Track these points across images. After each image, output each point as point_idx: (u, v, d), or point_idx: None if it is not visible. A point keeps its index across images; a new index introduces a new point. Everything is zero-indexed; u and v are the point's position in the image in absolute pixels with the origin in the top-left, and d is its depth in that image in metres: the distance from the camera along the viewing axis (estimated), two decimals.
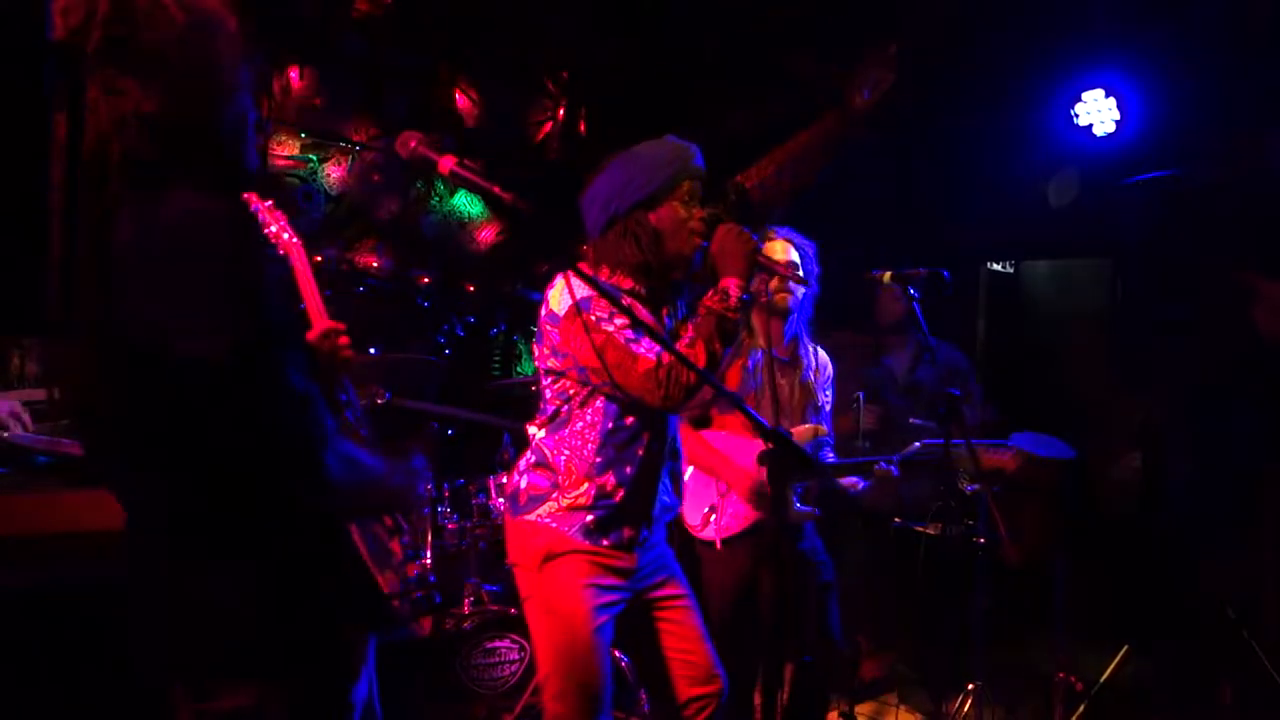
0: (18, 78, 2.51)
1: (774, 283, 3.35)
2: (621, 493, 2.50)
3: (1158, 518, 4.92)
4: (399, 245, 5.17)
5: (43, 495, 2.76)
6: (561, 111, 5.62)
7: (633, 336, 2.38)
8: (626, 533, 2.52)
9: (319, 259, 4.83)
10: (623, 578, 2.53)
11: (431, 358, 4.77)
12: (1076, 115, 4.92)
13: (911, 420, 4.22)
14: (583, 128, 5.67)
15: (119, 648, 1.65)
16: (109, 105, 1.51)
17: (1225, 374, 4.13)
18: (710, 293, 2.46)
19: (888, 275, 3.17)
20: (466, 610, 3.75)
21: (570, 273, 2.43)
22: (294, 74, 4.84)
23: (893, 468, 3.75)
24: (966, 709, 4.05)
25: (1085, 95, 4.90)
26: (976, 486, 3.99)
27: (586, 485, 2.48)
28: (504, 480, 3.95)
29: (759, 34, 5.27)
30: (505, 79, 5.44)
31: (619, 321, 2.39)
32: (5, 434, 2.76)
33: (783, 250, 3.40)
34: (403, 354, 4.83)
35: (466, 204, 5.34)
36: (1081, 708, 4.11)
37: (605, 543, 2.49)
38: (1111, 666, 4.21)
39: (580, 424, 2.51)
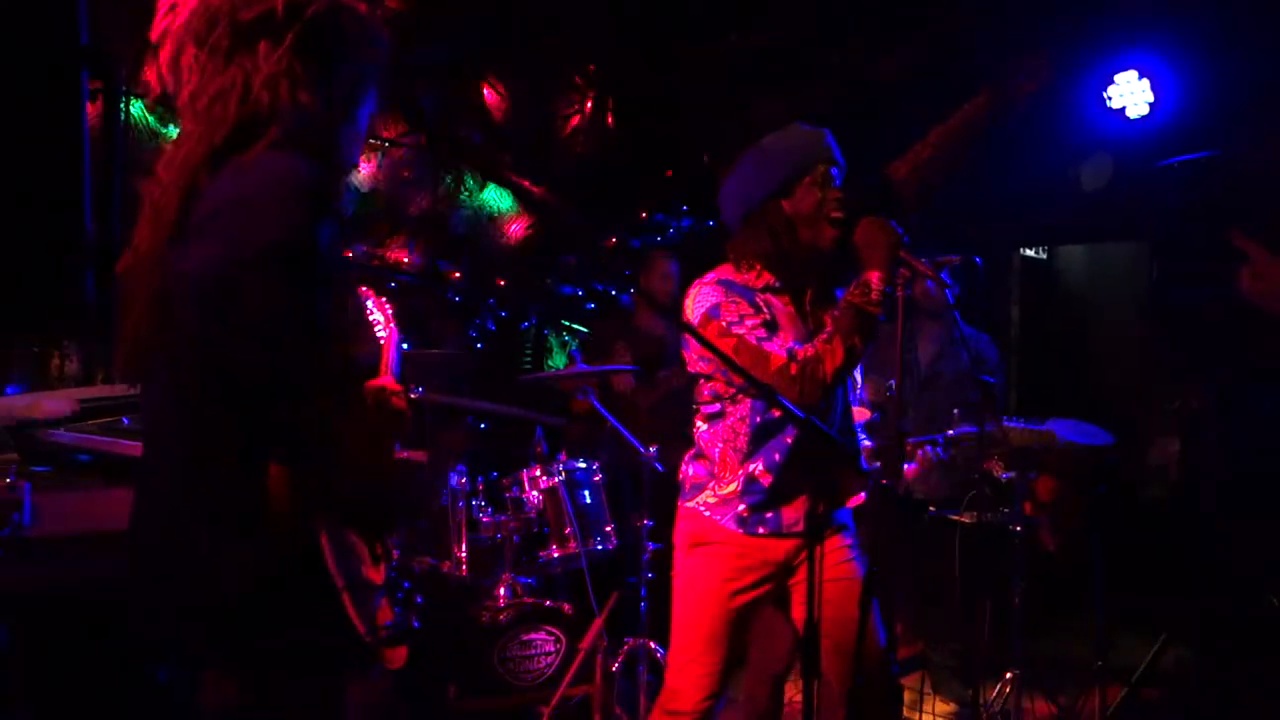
0: (45, 82, 2.55)
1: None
2: (769, 479, 2.53)
3: (1196, 504, 4.87)
4: (429, 241, 5.19)
5: (84, 493, 2.80)
6: (589, 104, 5.62)
7: (765, 335, 2.44)
8: (787, 517, 2.55)
9: (349, 255, 4.86)
10: (772, 566, 2.57)
11: (464, 352, 4.80)
12: (1109, 98, 4.87)
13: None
14: (610, 120, 5.67)
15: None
16: (286, 86, 1.61)
17: (1265, 358, 4.08)
18: (852, 286, 2.45)
19: (920, 262, 3.14)
20: (502, 603, 3.77)
21: (702, 281, 2.56)
22: None
23: (939, 450, 3.75)
24: (1005, 696, 4.03)
25: (1118, 77, 4.85)
26: (1012, 474, 3.97)
27: (739, 473, 2.56)
28: (536, 473, 3.97)
29: (785, 25, 5.25)
30: (533, 73, 5.45)
31: (750, 323, 2.46)
32: (48, 431, 2.79)
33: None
34: (435, 349, 4.86)
35: (496, 198, 5.35)
36: (1121, 695, 4.08)
37: (761, 530, 2.55)
38: (1151, 655, 4.17)
39: (732, 418, 2.58)
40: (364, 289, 2.40)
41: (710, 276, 2.59)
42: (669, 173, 5.86)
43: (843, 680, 2.59)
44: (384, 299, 2.41)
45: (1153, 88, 4.83)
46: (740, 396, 2.55)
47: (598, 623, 3.57)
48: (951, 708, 4.36)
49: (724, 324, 2.47)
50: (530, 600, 3.81)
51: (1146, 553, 5.97)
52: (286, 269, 1.50)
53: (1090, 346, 7.60)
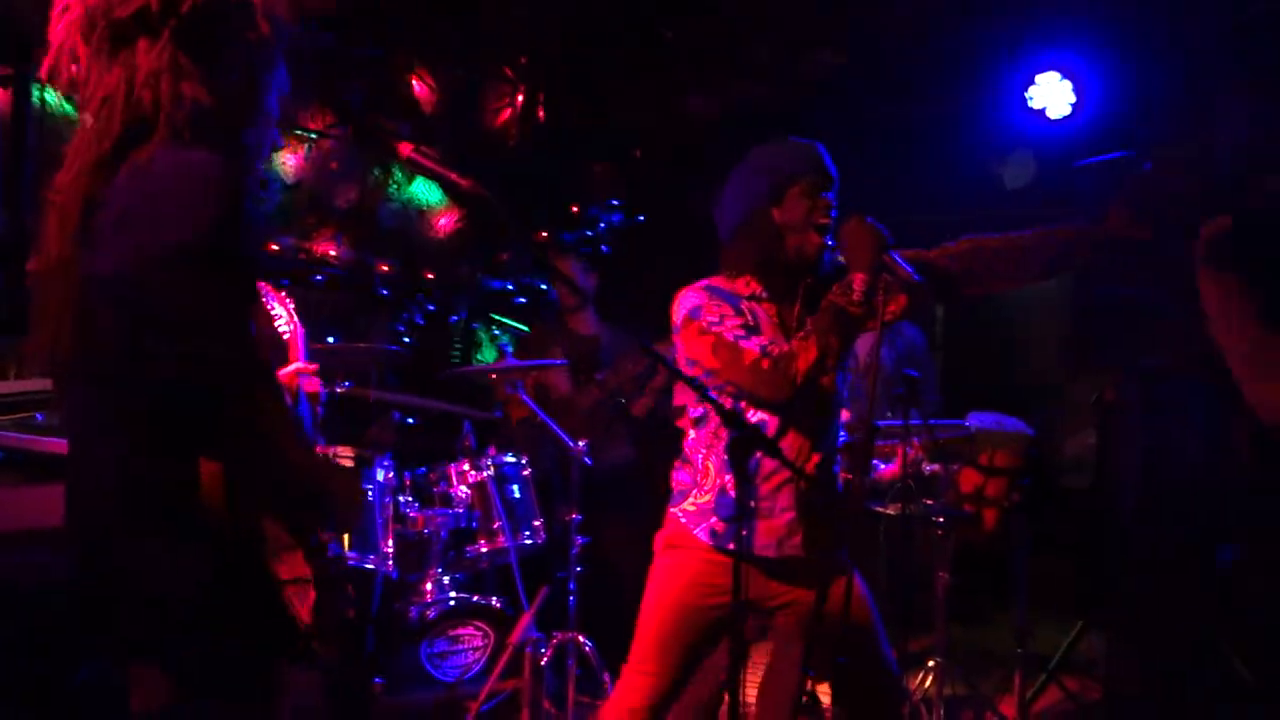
0: None
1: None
2: (746, 493, 2.44)
3: (1112, 495, 4.99)
4: (357, 233, 5.13)
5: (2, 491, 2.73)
6: (520, 98, 5.59)
7: (743, 335, 2.45)
8: (760, 539, 2.50)
9: (275, 248, 4.79)
10: (740, 590, 2.42)
11: (391, 346, 4.74)
12: (1031, 98, 4.96)
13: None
14: (541, 114, 5.65)
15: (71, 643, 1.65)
16: (168, 82, 1.58)
17: (1180, 352, 4.19)
18: (835, 286, 2.45)
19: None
20: (429, 599, 3.75)
21: (689, 286, 2.57)
22: None
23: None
24: (927, 685, 4.10)
25: (1039, 78, 4.94)
26: (936, 466, 4.04)
27: (716, 484, 2.55)
28: (464, 468, 3.95)
29: (718, 19, 5.28)
30: (463, 65, 5.41)
31: (730, 323, 2.47)
32: None
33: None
34: (362, 343, 4.81)
35: (425, 191, 5.31)
36: (1039, 682, 4.18)
37: (731, 547, 2.44)
38: (1067, 642, 4.28)
39: (714, 423, 2.57)
40: (263, 285, 2.36)
41: (698, 283, 2.62)
42: (600, 167, 5.86)
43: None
44: (283, 294, 2.39)
45: (1074, 89, 4.93)
46: (722, 400, 2.53)
47: (526, 617, 3.56)
48: None
49: (704, 323, 2.48)
50: (458, 595, 3.79)
51: (1067, 542, 6.13)
52: (202, 264, 1.48)
53: (1012, 340, 7.75)
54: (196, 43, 1.62)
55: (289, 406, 1.75)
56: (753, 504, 2.50)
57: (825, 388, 2.53)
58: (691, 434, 2.66)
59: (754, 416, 2.53)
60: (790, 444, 2.53)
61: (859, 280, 2.37)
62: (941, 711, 4.02)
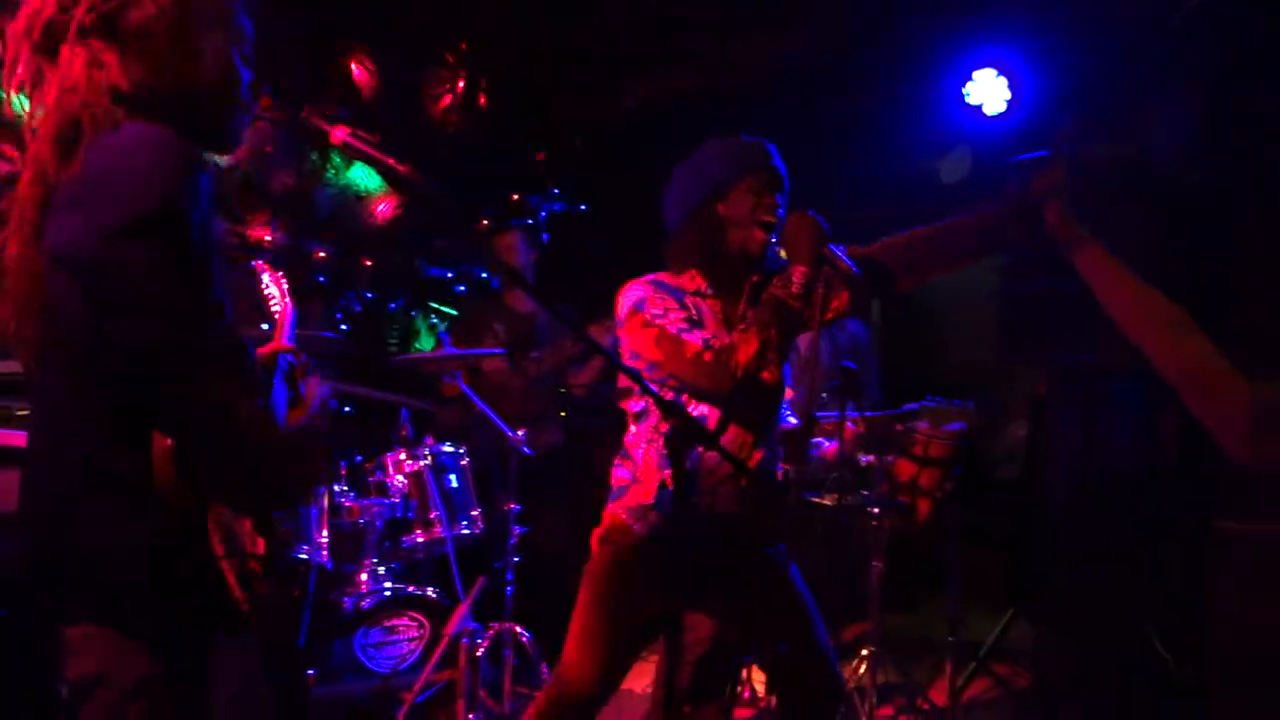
0: None
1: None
2: (685, 487, 2.48)
3: (1043, 486, 5.09)
4: (293, 219, 5.05)
5: None
6: (461, 84, 5.54)
7: (686, 328, 2.46)
8: (699, 531, 2.52)
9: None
10: (681, 582, 2.53)
11: (327, 333, 4.68)
12: (968, 94, 5.02)
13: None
14: (483, 100, 5.60)
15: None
16: (90, 77, 1.61)
17: (1108, 346, 4.28)
18: (776, 279, 2.45)
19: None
20: (364, 589, 3.71)
21: (635, 280, 2.58)
22: None
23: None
24: (861, 673, 4.15)
25: (976, 75, 5.00)
26: (871, 457, 4.09)
27: (656, 479, 2.54)
28: (401, 457, 3.92)
29: (659, 10, 5.27)
30: (403, 50, 5.34)
31: (673, 316, 2.49)
32: None
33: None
34: (298, 330, 4.73)
35: (363, 177, 5.24)
36: (970, 669, 4.25)
37: (670, 539, 2.49)
38: (998, 630, 4.35)
39: (655, 417, 2.58)
40: (259, 264, 2.43)
41: (644, 277, 2.62)
42: (541, 155, 5.83)
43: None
44: (280, 273, 2.41)
45: (1010, 86, 4.99)
46: (663, 393, 2.55)
47: (462, 607, 3.55)
48: None
49: (648, 316, 2.49)
50: (393, 586, 3.75)
51: (998, 533, 6.24)
52: (159, 237, 1.48)
53: (948, 333, 7.86)
54: (124, 37, 1.64)
55: (258, 385, 1.76)
56: (693, 499, 2.50)
57: (768, 382, 2.54)
58: (632, 428, 2.66)
59: (696, 410, 2.54)
60: (732, 438, 2.54)
61: (799, 273, 2.37)
62: (874, 699, 4.07)
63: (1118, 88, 4.74)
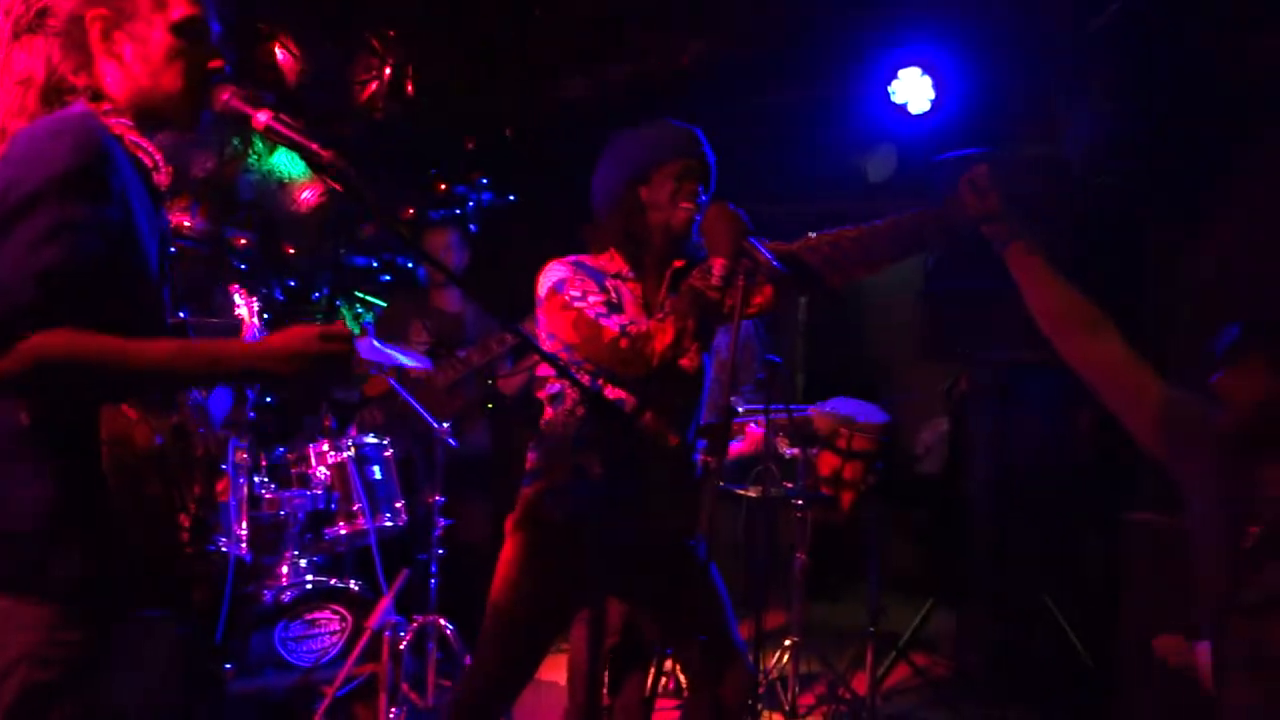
0: None
1: None
2: (602, 472, 2.49)
3: (963, 481, 5.19)
4: (213, 204, 4.94)
5: None
6: (388, 70, 5.46)
7: (604, 312, 2.45)
8: (614, 515, 2.49)
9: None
10: (594, 572, 2.49)
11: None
12: (894, 92, 5.08)
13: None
14: (410, 88, 5.53)
15: None
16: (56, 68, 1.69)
17: (1029, 344, 4.37)
18: (696, 270, 2.45)
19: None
20: (284, 582, 3.66)
21: (556, 260, 2.56)
22: None
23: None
24: (784, 662, 4.21)
25: (902, 73, 5.06)
26: (795, 450, 4.14)
27: (571, 463, 2.53)
28: (324, 448, 3.86)
29: (594, 1, 5.26)
30: (328, 35, 5.25)
31: (592, 299, 2.47)
32: None
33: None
34: (217, 319, 4.64)
35: (287, 164, 5.14)
36: (890, 659, 4.32)
37: (585, 527, 2.48)
38: (917, 620, 4.44)
39: (571, 401, 2.56)
40: (233, 286, 2.60)
41: (566, 258, 2.61)
42: (470, 145, 5.78)
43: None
44: (253, 297, 2.45)
45: (935, 85, 5.05)
46: (581, 377, 2.54)
47: (385, 600, 3.51)
48: None
49: (567, 298, 2.48)
50: (315, 579, 3.70)
51: (919, 525, 6.35)
52: (63, 203, 1.52)
53: (871, 329, 7.98)
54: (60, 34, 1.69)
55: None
56: (608, 483, 2.50)
57: (686, 370, 2.54)
58: (549, 412, 2.65)
59: (612, 394, 2.54)
60: (648, 425, 2.54)
61: (719, 265, 2.39)
62: (796, 688, 4.13)
63: (1038, 89, 4.85)
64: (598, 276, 2.56)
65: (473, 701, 2.59)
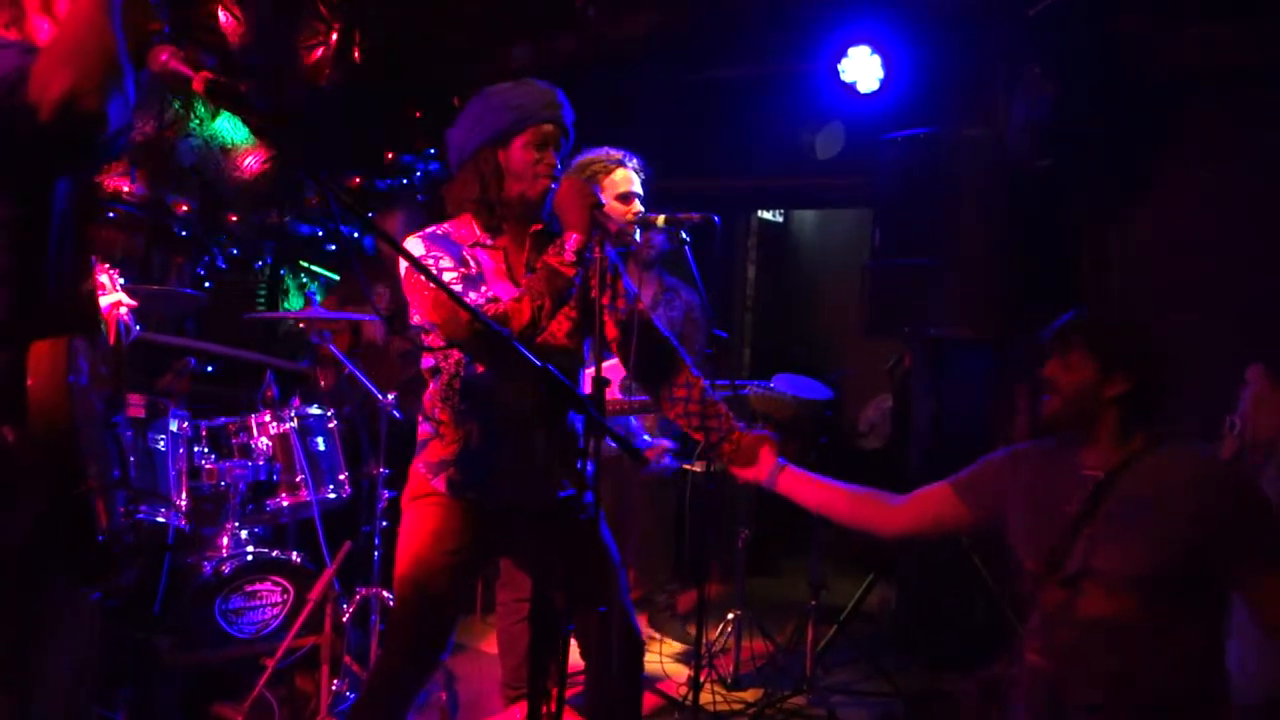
0: None
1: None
2: (482, 444, 2.53)
3: (905, 455, 5.26)
4: (153, 170, 4.84)
5: None
6: (334, 36, 5.37)
7: (461, 290, 2.42)
8: (499, 485, 2.55)
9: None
10: (488, 534, 2.58)
11: (189, 290, 4.51)
12: (843, 71, 5.09)
13: None
14: (357, 55, 5.45)
15: None
16: None
17: (970, 322, 4.44)
18: (550, 247, 2.42)
19: (661, 218, 3.21)
20: (225, 553, 3.62)
21: (415, 234, 2.54)
22: None
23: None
24: (726, 634, 4.25)
25: (851, 51, 5.07)
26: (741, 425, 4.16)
27: (454, 434, 2.55)
28: (266, 419, 3.82)
29: None
30: None
31: (448, 276, 2.45)
32: None
33: (625, 181, 3.31)
34: (157, 285, 4.56)
35: (230, 130, 5.05)
36: (832, 632, 4.38)
37: (471, 495, 2.55)
38: (858, 594, 4.50)
39: (446, 374, 2.56)
40: (101, 265, 2.46)
41: (425, 230, 2.57)
42: (417, 114, 5.71)
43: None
44: (113, 270, 2.44)
45: (884, 64, 5.06)
46: (450, 352, 2.53)
47: (328, 572, 3.48)
48: (679, 648, 4.55)
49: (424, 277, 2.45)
50: (256, 550, 3.67)
51: None
52: None
53: (818, 306, 8.05)
54: None
55: None
56: (487, 452, 2.54)
57: (559, 338, 2.58)
58: (430, 386, 2.65)
59: (479, 368, 2.54)
60: (520, 394, 2.53)
61: (572, 240, 2.39)
62: (738, 660, 4.18)
63: (982, 72, 4.90)
64: (455, 249, 2.52)
65: (396, 671, 2.59)
